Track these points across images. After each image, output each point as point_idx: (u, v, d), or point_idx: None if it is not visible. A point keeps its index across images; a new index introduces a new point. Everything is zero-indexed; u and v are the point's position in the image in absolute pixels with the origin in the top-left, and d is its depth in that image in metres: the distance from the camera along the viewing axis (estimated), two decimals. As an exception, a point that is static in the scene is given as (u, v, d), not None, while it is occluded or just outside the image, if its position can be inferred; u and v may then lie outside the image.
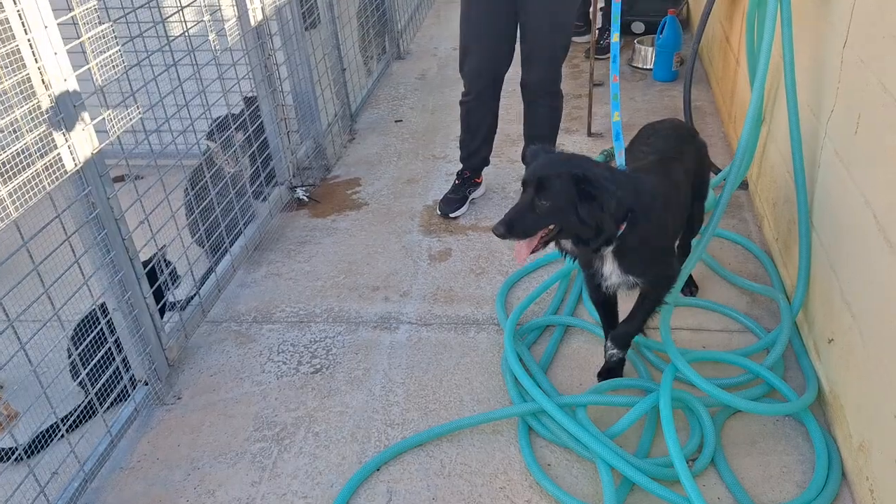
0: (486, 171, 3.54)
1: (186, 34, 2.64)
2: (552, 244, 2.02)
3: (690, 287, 2.77)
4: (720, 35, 4.19)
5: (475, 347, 2.59)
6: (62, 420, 2.08)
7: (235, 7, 2.95)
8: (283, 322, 2.77)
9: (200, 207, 2.72)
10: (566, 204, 1.88)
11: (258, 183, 3.20)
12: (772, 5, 2.37)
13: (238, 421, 2.34)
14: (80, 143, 1.99)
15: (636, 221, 1.95)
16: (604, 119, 4.12)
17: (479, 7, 3.07)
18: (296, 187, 3.48)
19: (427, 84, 4.85)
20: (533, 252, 1.97)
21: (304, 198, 3.50)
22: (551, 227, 1.93)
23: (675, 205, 2.22)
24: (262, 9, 3.06)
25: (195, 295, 2.69)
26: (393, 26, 5.17)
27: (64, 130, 1.94)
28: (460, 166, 3.73)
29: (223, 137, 2.99)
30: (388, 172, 3.79)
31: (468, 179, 3.45)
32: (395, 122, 4.35)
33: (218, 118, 3.07)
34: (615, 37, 2.56)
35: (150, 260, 2.44)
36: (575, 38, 5.18)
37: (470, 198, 3.47)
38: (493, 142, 3.47)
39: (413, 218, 3.38)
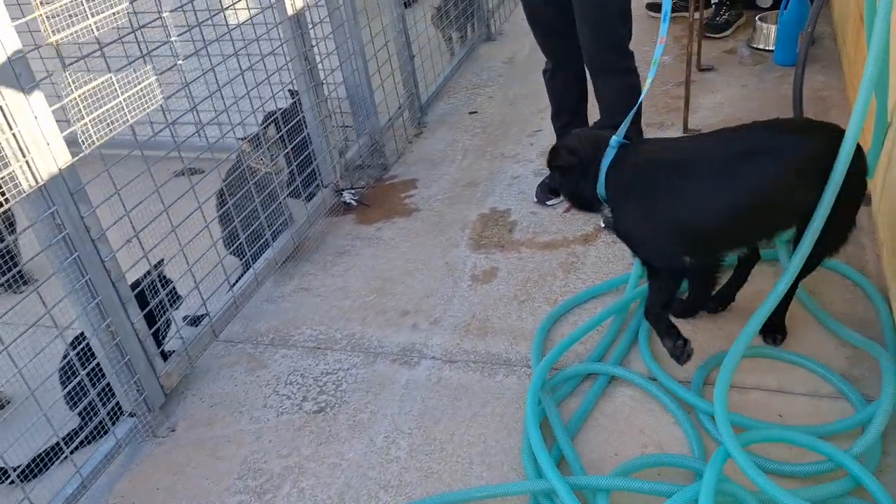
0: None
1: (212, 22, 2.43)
2: None
3: (775, 333, 2.26)
4: (853, 10, 3.48)
5: (500, 395, 2.23)
6: (15, 469, 1.94)
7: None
8: (299, 347, 2.54)
9: (242, 216, 2.54)
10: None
11: (294, 186, 2.97)
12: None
13: (225, 464, 2.13)
14: (42, 159, 1.82)
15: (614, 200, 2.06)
16: (706, 113, 3.56)
17: None
18: (343, 190, 3.22)
19: (513, 69, 4.43)
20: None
21: (353, 202, 3.24)
22: None
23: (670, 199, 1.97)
24: (301, -3, 2.80)
25: (202, 316, 2.51)
26: (483, 4, 4.77)
27: (20, 146, 1.77)
28: (529, 167, 3.36)
29: (250, 136, 2.77)
30: (449, 173, 3.45)
31: None
32: (470, 113, 3.99)
33: (271, 113, 2.87)
34: None
35: (145, 278, 2.27)
36: (681, 13, 4.58)
37: None
38: (587, 122, 3.10)
39: (464, 229, 3.03)
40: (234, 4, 2.73)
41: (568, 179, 2.15)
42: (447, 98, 4.19)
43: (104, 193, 2.11)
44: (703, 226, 1.97)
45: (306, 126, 2.97)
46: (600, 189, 2.06)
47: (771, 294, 2.02)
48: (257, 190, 2.68)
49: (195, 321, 2.55)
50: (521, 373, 2.30)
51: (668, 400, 2.09)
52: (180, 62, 2.32)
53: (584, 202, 2.16)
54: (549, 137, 3.58)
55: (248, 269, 2.75)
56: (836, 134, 1.89)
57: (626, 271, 2.63)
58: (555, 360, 2.25)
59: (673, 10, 4.51)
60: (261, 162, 2.79)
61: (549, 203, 3.06)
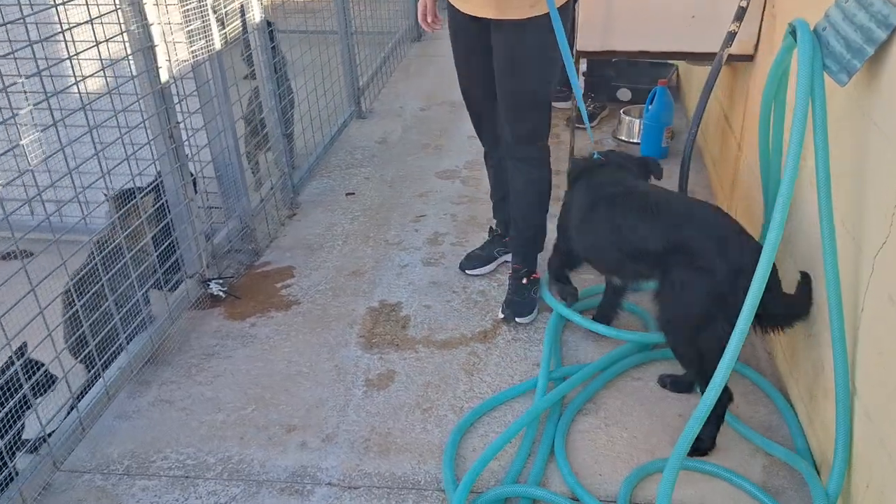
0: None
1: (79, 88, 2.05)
2: None
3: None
4: (717, 112, 3.68)
5: (411, 529, 1.96)
6: None
7: (132, 63, 2.35)
8: (162, 476, 2.12)
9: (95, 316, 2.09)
10: None
11: (156, 276, 2.57)
12: (800, 103, 1.80)
13: None
14: None
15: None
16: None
17: (457, 49, 2.69)
18: (209, 280, 2.85)
19: (388, 150, 4.27)
20: None
21: (221, 293, 2.87)
22: None
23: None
24: (169, 67, 2.47)
25: (44, 439, 2.03)
26: (354, 81, 4.62)
27: None
28: (416, 255, 3.17)
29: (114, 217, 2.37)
30: (330, 261, 3.18)
31: (497, 238, 3.07)
32: (347, 195, 3.76)
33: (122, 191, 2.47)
34: None
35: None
36: (556, 104, 4.68)
37: (499, 259, 3.05)
38: None
39: (353, 325, 2.76)
40: (86, 77, 2.36)
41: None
42: (321, 178, 3.94)
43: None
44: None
45: (169, 210, 2.60)
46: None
47: (694, 415, 1.89)
48: (111, 285, 2.26)
49: (35, 447, 2.06)
50: (434, 499, 2.03)
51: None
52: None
53: None
54: (434, 223, 3.43)
55: (96, 379, 2.29)
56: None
57: (530, 372, 2.48)
58: (471, 485, 2.01)
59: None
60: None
61: (469, 272, 3.03)
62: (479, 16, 2.46)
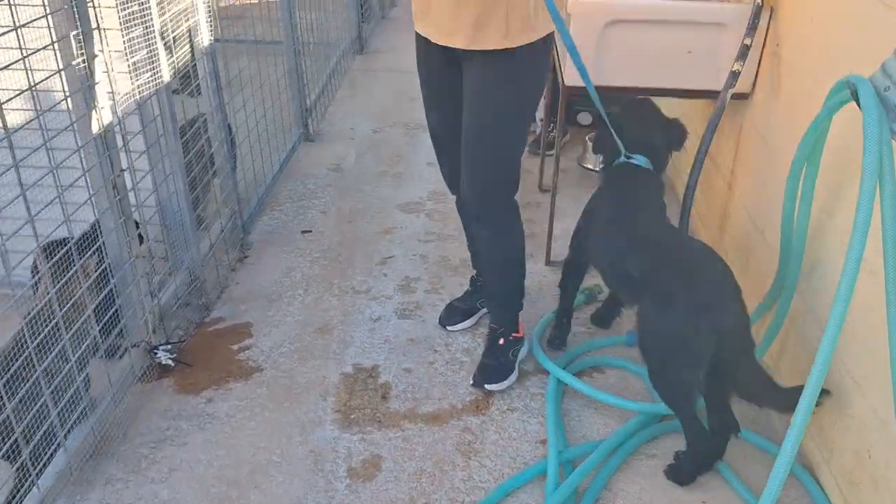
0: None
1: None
2: None
3: None
4: (696, 146, 3.52)
5: None
6: None
7: (70, 106, 1.96)
8: None
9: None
10: None
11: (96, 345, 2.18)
12: (868, 177, 1.59)
13: None
14: None
15: None
16: (562, 242, 3.34)
17: (424, 86, 2.37)
18: (157, 347, 2.47)
19: (343, 178, 3.93)
20: None
21: (170, 361, 2.49)
22: None
23: None
24: (113, 107, 2.08)
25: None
26: (302, 100, 4.25)
27: None
28: (388, 306, 2.88)
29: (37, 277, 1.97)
30: (292, 314, 2.83)
31: (480, 289, 2.75)
32: (302, 232, 3.41)
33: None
34: None
35: None
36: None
37: (481, 311, 2.75)
38: None
39: (326, 396, 2.43)
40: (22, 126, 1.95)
41: None
42: (272, 212, 3.57)
43: None
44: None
45: (112, 274, 2.21)
46: None
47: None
48: (46, 372, 1.87)
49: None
50: None
51: None
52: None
53: None
54: (403, 265, 3.13)
55: (26, 485, 1.90)
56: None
57: (533, 452, 2.22)
58: None
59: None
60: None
61: (449, 327, 2.74)
62: (448, 45, 2.11)
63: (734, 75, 2.57)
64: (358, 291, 2.98)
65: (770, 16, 2.55)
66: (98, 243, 2.13)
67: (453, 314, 2.76)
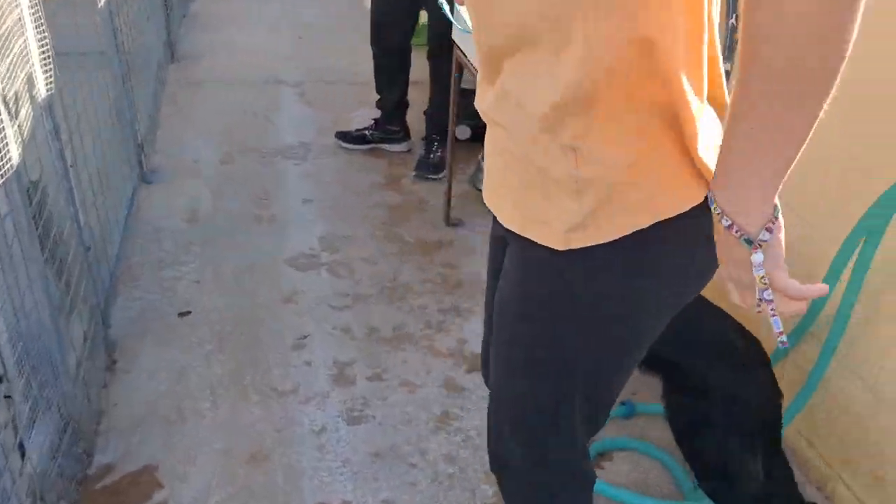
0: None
1: None
2: None
3: None
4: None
5: None
6: None
7: None
8: None
9: None
10: None
11: None
12: None
13: None
14: None
15: None
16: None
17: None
18: (42, 547, 1.70)
19: (204, 230, 3.18)
20: None
21: (61, 560, 1.73)
22: None
23: None
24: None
25: None
26: (133, 128, 3.38)
27: None
28: (332, 408, 2.35)
29: None
30: (206, 439, 2.15)
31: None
32: (180, 315, 2.67)
33: None
34: None
35: None
36: (389, 147, 4.00)
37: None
38: None
39: (295, 563, 1.84)
40: None
41: None
42: (130, 289, 2.76)
43: None
44: None
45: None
46: None
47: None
48: None
49: None
50: None
51: None
52: None
53: None
54: (325, 346, 2.56)
55: None
56: None
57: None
58: None
59: (368, 142, 3.91)
60: None
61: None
62: (501, 221, 1.21)
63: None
64: (282, 392, 2.36)
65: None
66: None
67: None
